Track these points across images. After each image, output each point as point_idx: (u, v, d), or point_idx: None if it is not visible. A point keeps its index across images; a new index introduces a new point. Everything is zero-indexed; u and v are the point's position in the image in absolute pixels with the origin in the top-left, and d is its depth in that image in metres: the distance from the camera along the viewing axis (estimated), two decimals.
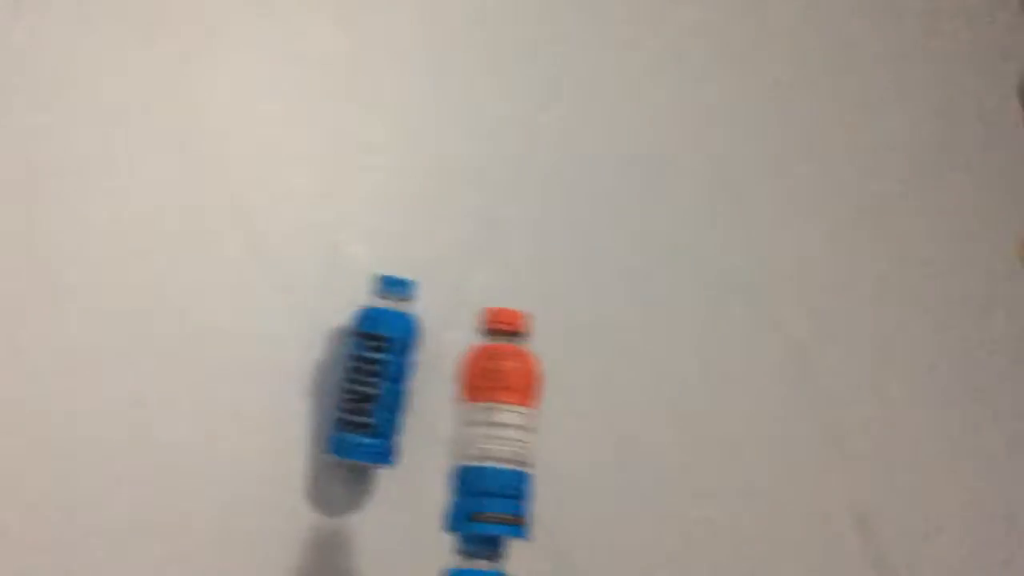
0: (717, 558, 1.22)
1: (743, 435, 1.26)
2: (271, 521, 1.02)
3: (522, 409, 0.90)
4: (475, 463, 0.89)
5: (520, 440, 0.89)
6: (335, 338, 1.08)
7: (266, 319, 1.05)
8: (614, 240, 1.26)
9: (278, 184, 1.08)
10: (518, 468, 0.89)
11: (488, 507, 0.87)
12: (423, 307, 1.08)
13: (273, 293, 1.06)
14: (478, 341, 0.94)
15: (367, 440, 1.03)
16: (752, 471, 1.25)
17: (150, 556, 0.96)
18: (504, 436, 0.88)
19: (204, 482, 1.00)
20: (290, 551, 1.03)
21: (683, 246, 1.29)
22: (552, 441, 0.95)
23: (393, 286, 1.06)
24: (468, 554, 0.87)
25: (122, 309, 0.99)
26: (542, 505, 0.94)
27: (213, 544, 0.99)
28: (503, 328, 0.93)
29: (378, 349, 1.04)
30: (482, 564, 0.86)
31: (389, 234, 1.12)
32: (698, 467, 1.22)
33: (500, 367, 0.90)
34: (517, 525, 0.88)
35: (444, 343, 1.12)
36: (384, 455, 1.04)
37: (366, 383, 1.04)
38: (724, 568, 1.22)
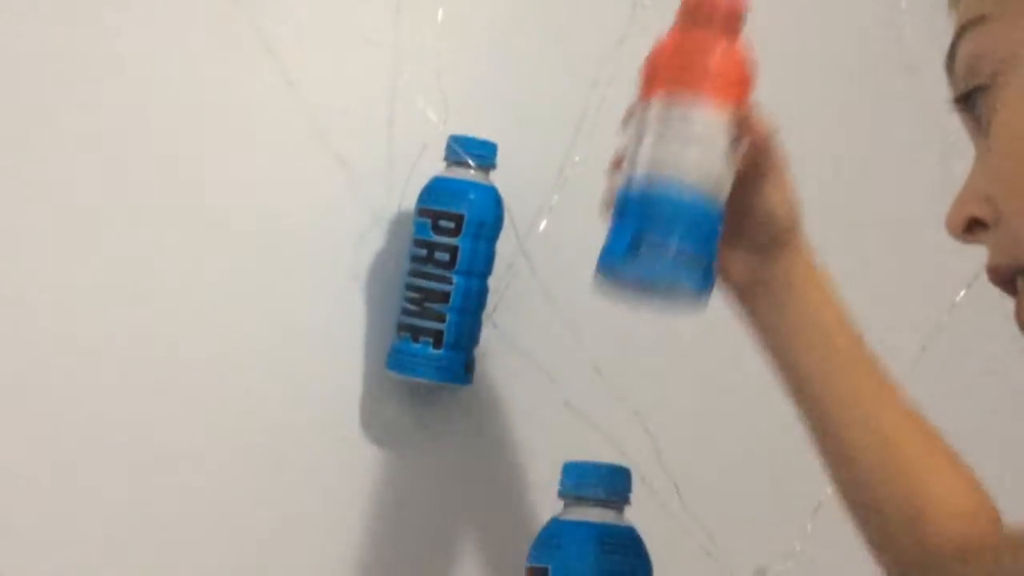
0: None
1: None
2: (319, 452, 0.78)
3: (728, 115, 0.60)
4: (652, 175, 0.59)
5: (719, 154, 0.60)
6: (399, 223, 0.84)
7: (316, 200, 0.81)
8: None
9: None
10: (709, 194, 0.60)
11: (658, 235, 0.58)
12: (507, 182, 0.83)
13: (323, 167, 0.81)
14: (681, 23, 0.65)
15: (435, 352, 0.78)
16: None
17: (186, 486, 0.74)
18: (701, 143, 0.59)
19: (238, 401, 0.76)
20: (341, 486, 0.79)
21: None
22: None
23: (469, 150, 0.80)
24: (575, 497, 0.60)
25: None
26: None
27: (251, 476, 0.76)
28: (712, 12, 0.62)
29: (450, 231, 0.79)
30: (593, 513, 0.60)
31: (467, 90, 0.87)
32: None
33: (709, 47, 0.61)
34: (693, 268, 0.59)
35: (534, 229, 0.88)
36: (457, 371, 0.79)
37: (434, 276, 0.79)
38: None
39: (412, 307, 0.79)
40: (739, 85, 0.62)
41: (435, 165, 0.82)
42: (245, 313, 0.78)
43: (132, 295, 0.74)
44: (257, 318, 0.78)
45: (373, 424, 0.81)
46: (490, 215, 0.80)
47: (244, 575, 0.75)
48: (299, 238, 0.80)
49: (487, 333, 0.84)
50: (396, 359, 0.79)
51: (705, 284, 0.61)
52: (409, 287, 0.80)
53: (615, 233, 0.61)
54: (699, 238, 0.60)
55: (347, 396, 0.80)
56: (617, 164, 0.65)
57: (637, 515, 0.79)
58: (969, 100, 0.47)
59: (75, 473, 0.72)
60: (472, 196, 0.79)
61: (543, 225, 0.88)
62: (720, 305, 1.00)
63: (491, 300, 0.83)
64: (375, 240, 0.83)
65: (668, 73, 0.62)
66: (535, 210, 0.88)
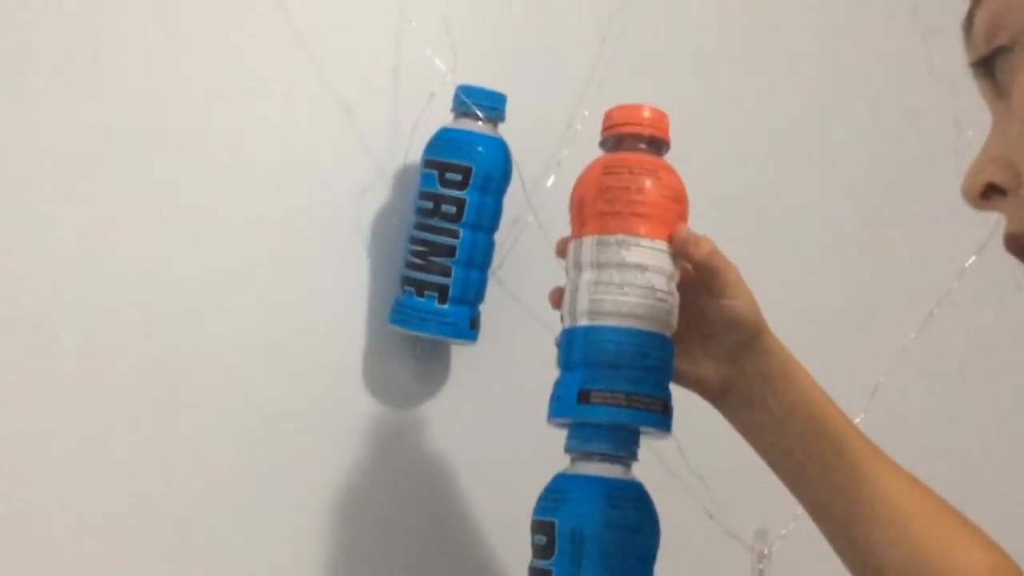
0: None
1: None
2: (321, 407, 0.77)
3: (663, 246, 0.61)
4: (593, 322, 0.60)
5: (659, 290, 0.60)
6: (405, 175, 0.82)
7: (321, 151, 0.79)
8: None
9: None
10: (655, 330, 0.60)
11: (605, 384, 0.58)
12: (515, 136, 0.81)
13: (328, 116, 0.79)
14: (601, 154, 0.65)
15: (441, 307, 0.77)
16: None
17: (189, 439, 0.72)
18: (637, 283, 0.60)
19: (239, 356, 0.75)
20: (344, 442, 0.78)
21: None
22: None
23: (478, 101, 0.78)
24: (581, 452, 0.59)
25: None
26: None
27: (252, 433, 0.74)
28: (637, 132, 0.63)
29: (457, 184, 0.77)
30: (600, 468, 0.59)
31: (475, 40, 0.85)
32: None
33: (632, 185, 0.60)
34: (650, 411, 0.59)
35: (542, 184, 0.86)
36: (462, 327, 0.78)
37: (440, 230, 0.77)
38: None
39: (417, 261, 0.77)
40: (669, 215, 0.62)
41: (442, 116, 0.80)
42: (247, 269, 0.76)
43: (127, 249, 0.72)
44: (259, 273, 0.77)
45: (376, 380, 0.79)
46: (498, 168, 0.78)
47: (246, 531, 0.74)
48: (303, 190, 0.78)
49: (492, 289, 0.83)
50: (400, 313, 0.78)
51: (663, 420, 0.61)
52: (414, 240, 0.78)
53: (563, 383, 0.61)
54: (649, 381, 0.60)
55: (350, 351, 0.79)
56: (557, 299, 0.65)
57: (639, 475, 0.78)
58: (988, 64, 0.46)
59: (94, 416, 0.71)
60: (480, 148, 0.78)
61: (551, 180, 0.86)
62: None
63: (497, 255, 0.82)
64: (380, 192, 0.81)
65: (597, 214, 0.62)
66: (543, 165, 0.86)
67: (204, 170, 0.75)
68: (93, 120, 0.71)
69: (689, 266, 0.64)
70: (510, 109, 0.81)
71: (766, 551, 0.91)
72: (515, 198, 0.83)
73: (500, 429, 0.83)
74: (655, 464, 0.85)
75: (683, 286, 0.64)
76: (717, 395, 0.66)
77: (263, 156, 0.78)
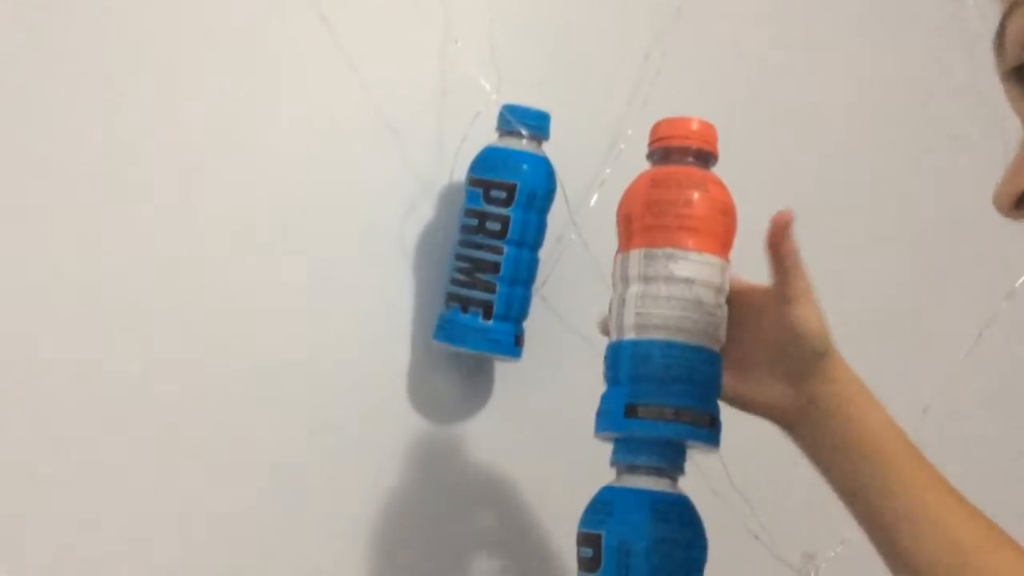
0: None
1: None
2: (366, 424, 0.77)
3: (711, 259, 0.61)
4: (640, 336, 0.60)
5: (706, 303, 0.60)
6: (449, 193, 0.83)
7: (367, 170, 0.80)
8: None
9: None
10: (703, 344, 0.60)
11: (652, 398, 0.58)
12: (558, 154, 0.82)
13: (375, 136, 0.80)
14: (648, 168, 0.66)
15: (485, 323, 0.77)
16: None
17: (236, 459, 0.73)
18: (685, 297, 0.60)
19: (286, 373, 0.75)
20: (389, 458, 0.78)
21: None
22: None
23: (523, 119, 0.79)
24: (628, 466, 0.59)
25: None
26: None
27: (299, 450, 0.75)
28: (685, 145, 0.63)
29: (502, 201, 0.78)
30: (647, 482, 0.58)
31: (520, 60, 0.86)
32: None
33: (680, 198, 0.60)
34: (696, 425, 0.58)
35: (585, 202, 0.86)
36: (507, 343, 0.78)
37: (485, 247, 0.78)
38: None
39: (462, 277, 0.78)
40: (717, 228, 0.62)
41: (487, 135, 0.81)
42: (295, 285, 0.77)
43: (178, 264, 0.73)
44: (306, 289, 0.77)
45: (420, 396, 0.80)
46: (542, 186, 0.79)
47: (288, 546, 0.74)
48: (350, 208, 0.79)
49: (535, 306, 0.83)
50: (445, 330, 0.78)
51: (712, 436, 0.60)
52: (459, 257, 0.79)
53: (610, 397, 0.61)
54: (696, 395, 0.59)
55: (395, 368, 0.80)
56: (605, 327, 0.65)
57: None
58: (1021, 73, 0.46)
59: (125, 427, 0.72)
60: (525, 166, 0.78)
61: (594, 199, 0.87)
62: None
63: (540, 273, 0.82)
64: (424, 210, 0.82)
65: (644, 227, 0.61)
66: (587, 183, 0.87)
67: (256, 191, 0.76)
68: (147, 150, 0.73)
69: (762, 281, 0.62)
70: (554, 127, 0.82)
71: (813, 574, 0.90)
72: (559, 216, 0.83)
73: (543, 445, 0.83)
74: (700, 481, 0.84)
75: (749, 305, 0.63)
76: (783, 418, 0.65)
77: (312, 176, 0.79)
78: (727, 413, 0.83)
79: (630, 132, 0.87)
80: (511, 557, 0.80)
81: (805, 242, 0.99)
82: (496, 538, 0.80)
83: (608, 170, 0.87)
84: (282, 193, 0.77)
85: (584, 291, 0.86)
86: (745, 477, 0.88)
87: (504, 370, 0.83)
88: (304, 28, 0.78)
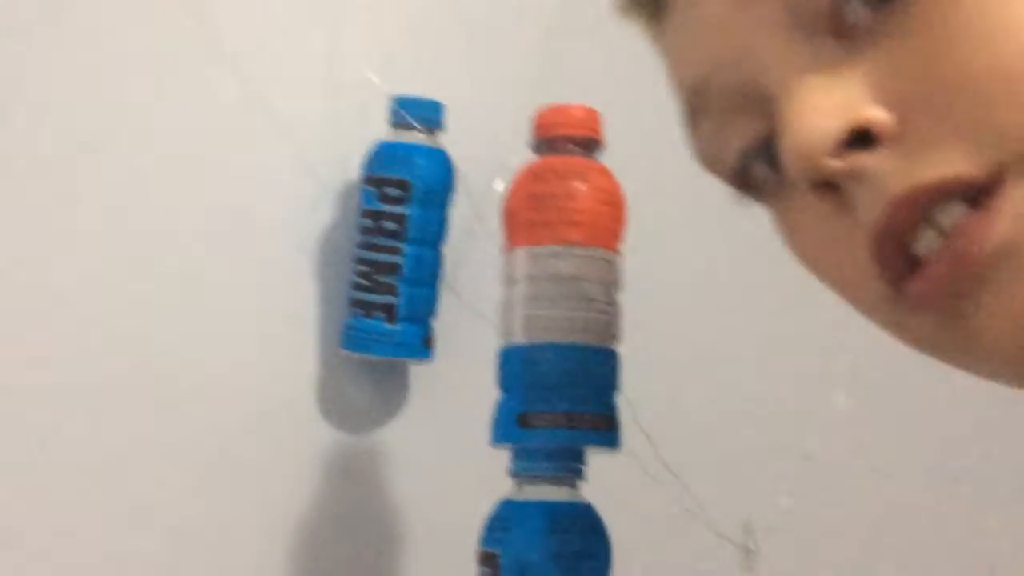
0: None
1: None
2: (277, 439, 0.74)
3: (599, 253, 0.59)
4: (529, 339, 0.57)
5: (597, 300, 0.58)
6: (349, 192, 0.80)
7: (260, 173, 0.77)
8: None
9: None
10: (595, 343, 0.57)
11: (543, 405, 0.56)
12: (458, 144, 0.79)
13: (266, 138, 0.77)
14: (530, 160, 0.63)
15: (390, 327, 0.75)
16: None
17: (139, 478, 0.70)
18: (572, 296, 0.57)
19: (189, 388, 0.73)
20: (303, 472, 0.75)
21: None
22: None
23: (413, 111, 0.76)
24: (526, 477, 0.57)
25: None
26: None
27: (207, 467, 0.72)
28: (566, 134, 0.60)
29: (398, 199, 0.75)
30: (546, 491, 0.56)
31: (411, 47, 0.82)
32: None
33: (562, 191, 0.58)
34: (593, 430, 0.56)
35: (489, 192, 0.84)
36: (414, 346, 0.76)
37: (383, 248, 0.75)
38: None
39: (363, 281, 0.75)
40: (603, 220, 0.59)
41: (382, 130, 0.78)
42: (192, 296, 0.74)
43: (77, 277, 0.71)
44: (204, 301, 0.74)
45: (332, 406, 0.77)
46: (439, 180, 0.76)
47: (205, 561, 0.72)
48: (245, 215, 0.76)
49: (449, 302, 0.80)
50: (350, 337, 0.75)
51: (609, 438, 0.58)
52: (358, 260, 0.76)
53: (502, 407, 0.58)
54: (591, 398, 0.57)
55: (303, 378, 0.77)
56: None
57: (615, 479, 0.75)
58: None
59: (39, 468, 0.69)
60: (419, 161, 0.75)
61: (501, 186, 0.84)
62: (690, 254, 0.96)
63: (450, 268, 0.80)
64: (325, 212, 0.79)
65: (527, 224, 0.59)
66: (491, 172, 0.84)
67: (147, 207, 0.73)
68: (28, 151, 0.70)
69: None
70: (453, 117, 0.79)
71: (753, 545, 0.89)
72: (466, 208, 0.81)
73: (463, 447, 0.81)
74: (629, 462, 0.83)
75: None
76: None
77: (203, 183, 0.76)
78: (649, 393, 0.81)
79: (532, 115, 0.85)
80: (432, 568, 0.78)
81: (723, 231, 0.97)
82: (415, 547, 0.79)
83: (513, 156, 0.84)
84: (177, 205, 0.74)
85: (498, 283, 0.84)
86: (675, 455, 0.86)
87: (418, 373, 0.80)
88: (184, 33, 0.75)
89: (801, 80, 0.33)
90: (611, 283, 0.59)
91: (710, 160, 0.39)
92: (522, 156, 0.84)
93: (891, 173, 0.31)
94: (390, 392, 0.79)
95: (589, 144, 0.61)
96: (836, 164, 0.32)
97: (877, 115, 0.31)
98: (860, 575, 0.95)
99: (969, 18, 0.31)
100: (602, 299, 0.58)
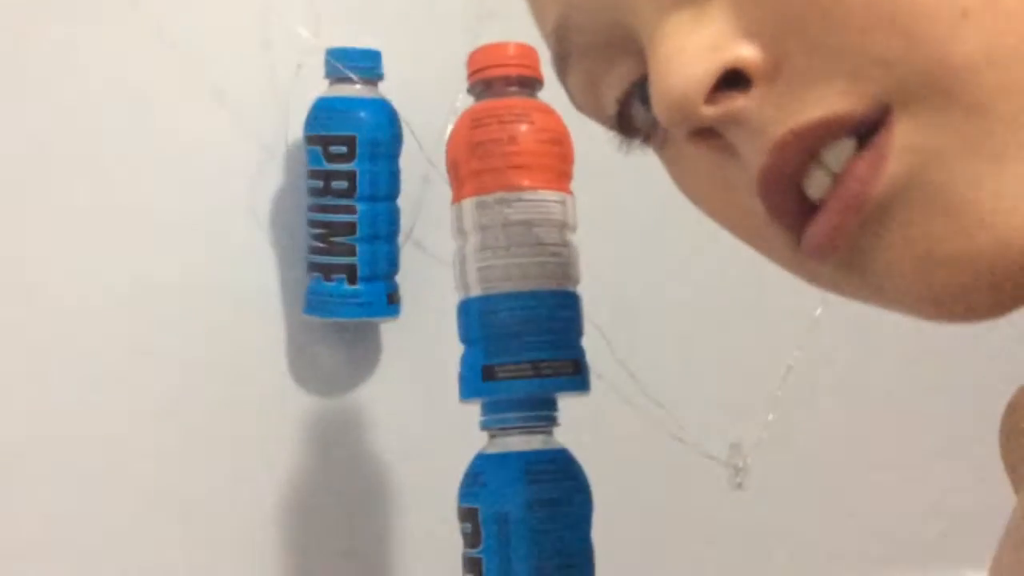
0: None
1: None
2: (250, 409, 0.74)
3: (548, 195, 0.57)
4: (486, 291, 0.56)
5: (550, 244, 0.56)
6: (294, 153, 0.78)
7: (201, 141, 0.74)
8: None
9: None
10: (552, 288, 0.56)
11: (507, 356, 0.54)
12: (402, 92, 0.76)
13: (202, 105, 0.74)
14: (468, 105, 0.60)
15: (351, 288, 0.73)
16: None
17: (118, 451, 0.70)
18: (525, 242, 0.55)
19: (158, 364, 0.71)
20: (279, 441, 0.75)
21: None
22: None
23: (350, 62, 0.73)
24: (498, 429, 0.56)
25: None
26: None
27: (185, 440, 0.72)
28: (502, 75, 0.57)
29: (344, 156, 0.73)
30: (519, 442, 0.55)
31: (341, 1, 0.80)
32: None
33: (504, 135, 0.55)
34: (559, 375, 0.55)
35: (440, 138, 0.82)
36: (379, 305, 0.74)
37: (335, 208, 0.73)
38: None
39: (319, 244, 0.74)
40: (550, 160, 0.57)
41: (321, 86, 0.76)
42: (149, 273, 0.73)
43: (24, 256, 0.69)
44: (162, 277, 0.73)
45: (305, 372, 0.76)
46: (385, 132, 0.74)
47: (182, 530, 0.72)
48: (189, 185, 0.74)
49: (411, 255, 0.79)
50: (312, 302, 0.74)
51: (577, 382, 0.57)
52: (312, 223, 0.74)
53: (467, 362, 0.57)
54: (554, 343, 0.55)
55: (273, 347, 0.76)
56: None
57: (597, 415, 0.75)
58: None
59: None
60: (361, 114, 0.73)
61: (450, 129, 0.82)
62: (648, 181, 0.94)
63: (407, 220, 0.78)
64: (272, 177, 0.77)
65: (472, 173, 0.57)
66: (440, 116, 0.82)
67: (88, 180, 0.71)
68: None
69: None
70: (393, 65, 0.76)
71: (741, 464, 0.89)
72: (417, 155, 0.79)
73: (441, 402, 0.80)
74: (609, 395, 0.82)
75: None
76: None
77: (147, 161, 0.74)
78: (619, 321, 0.80)
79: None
80: (409, 527, 0.78)
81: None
82: (393, 507, 0.78)
83: (460, 96, 0.82)
84: (120, 181, 0.72)
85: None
86: (655, 382, 0.86)
87: (389, 329, 0.79)
88: (115, 9, 0.72)
89: (666, 18, 0.30)
90: (564, 224, 0.57)
91: (587, 107, 0.36)
92: (469, 96, 0.82)
93: (769, 115, 0.29)
94: (362, 352, 0.78)
95: (528, 83, 0.59)
96: (709, 111, 0.29)
97: (747, 53, 0.29)
98: (850, 480, 0.95)
99: None
100: (556, 242, 0.57)
